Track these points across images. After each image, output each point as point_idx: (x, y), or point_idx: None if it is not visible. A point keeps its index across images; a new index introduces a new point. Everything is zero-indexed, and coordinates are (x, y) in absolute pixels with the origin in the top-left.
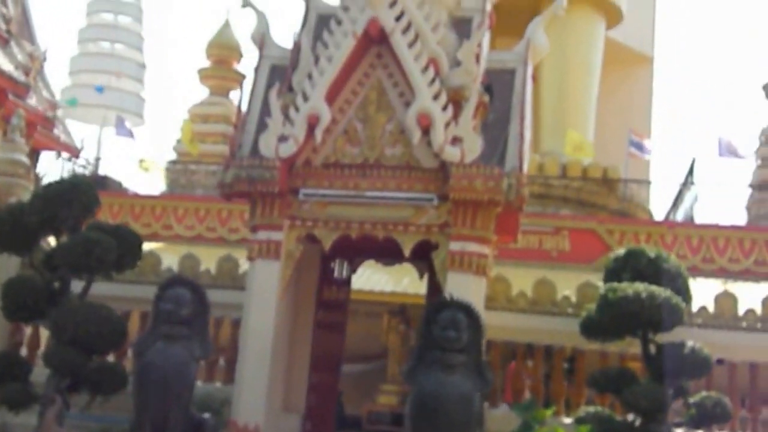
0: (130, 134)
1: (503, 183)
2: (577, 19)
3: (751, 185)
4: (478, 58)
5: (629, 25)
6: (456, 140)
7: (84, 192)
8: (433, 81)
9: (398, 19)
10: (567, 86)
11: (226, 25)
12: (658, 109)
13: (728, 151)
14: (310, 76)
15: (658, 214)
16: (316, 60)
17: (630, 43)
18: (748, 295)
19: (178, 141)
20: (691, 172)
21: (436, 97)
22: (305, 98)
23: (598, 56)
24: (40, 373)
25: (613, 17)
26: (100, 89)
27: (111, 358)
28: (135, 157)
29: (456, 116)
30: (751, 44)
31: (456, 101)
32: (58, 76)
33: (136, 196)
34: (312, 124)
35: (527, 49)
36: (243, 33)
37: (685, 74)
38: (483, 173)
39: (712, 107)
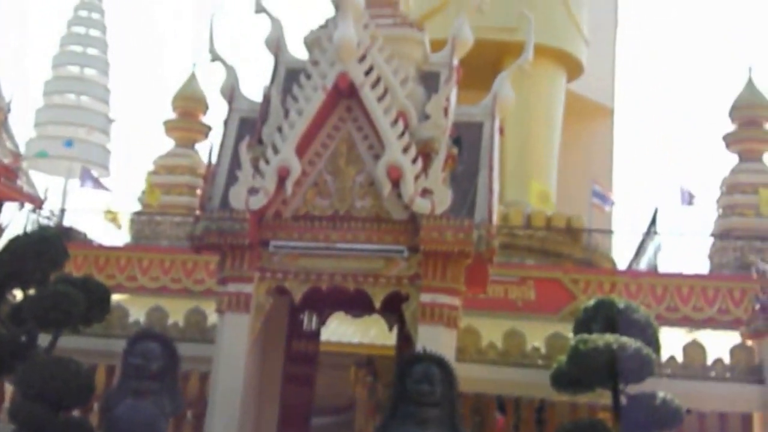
0: (96, 185)
1: (473, 234)
2: (538, 72)
3: (713, 234)
4: (446, 111)
5: (590, 77)
6: (426, 192)
7: (52, 245)
8: (402, 134)
9: (367, 73)
10: (529, 138)
11: (192, 77)
12: (620, 158)
13: (690, 200)
14: (280, 129)
15: (622, 263)
16: (286, 113)
17: (591, 96)
18: (715, 345)
19: (143, 192)
20: (653, 221)
21: (405, 149)
22: (275, 151)
23: (560, 108)
24: (4, 429)
25: (574, 70)
26: (69, 144)
27: (77, 413)
28: (101, 208)
29: (425, 169)
30: (711, 94)
31: (425, 154)
32: (23, 127)
33: (101, 247)
34: (282, 177)
35: (494, 102)
36: (209, 85)
37: (646, 125)
38: (453, 225)
39: (673, 157)
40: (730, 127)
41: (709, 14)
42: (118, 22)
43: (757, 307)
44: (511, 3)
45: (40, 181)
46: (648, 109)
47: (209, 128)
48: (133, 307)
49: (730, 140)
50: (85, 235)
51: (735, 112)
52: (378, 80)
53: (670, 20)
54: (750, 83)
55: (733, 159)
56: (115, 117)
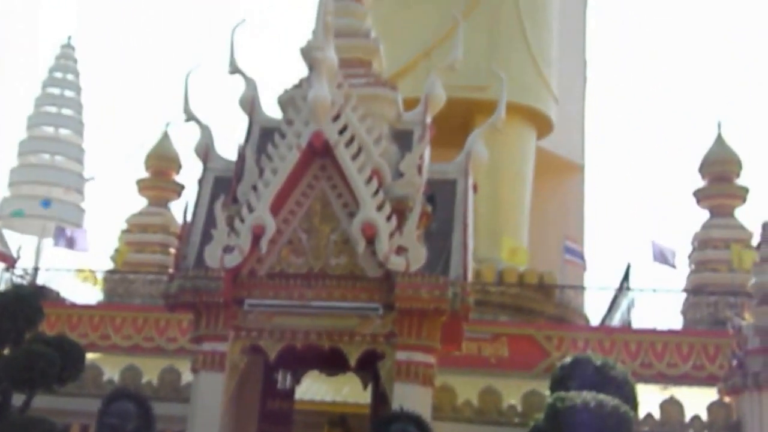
0: (71, 244)
1: (448, 292)
2: (509, 130)
3: (686, 290)
4: (420, 169)
5: (560, 134)
6: (400, 250)
7: (27, 304)
8: (376, 192)
9: (342, 132)
10: (501, 194)
11: (166, 136)
12: (592, 214)
13: (662, 256)
14: (255, 188)
15: (595, 319)
16: (261, 172)
17: (561, 152)
18: (691, 401)
19: (116, 251)
20: (626, 277)
21: (380, 207)
22: (250, 209)
23: (530, 165)
24: None
25: (544, 127)
26: (46, 204)
27: None
28: (74, 266)
29: (400, 226)
30: (681, 148)
31: (400, 211)
32: None
33: (73, 306)
34: (257, 235)
35: (468, 160)
36: (183, 143)
37: (617, 180)
38: (428, 282)
39: (645, 212)
40: (701, 182)
41: (678, 69)
42: (94, 82)
43: (735, 363)
44: (482, 62)
45: (14, 239)
46: (619, 165)
47: (182, 187)
48: (106, 366)
49: (700, 196)
50: (57, 294)
51: (705, 167)
52: (352, 139)
53: (639, 75)
54: (719, 138)
55: (704, 215)
56: (92, 175)
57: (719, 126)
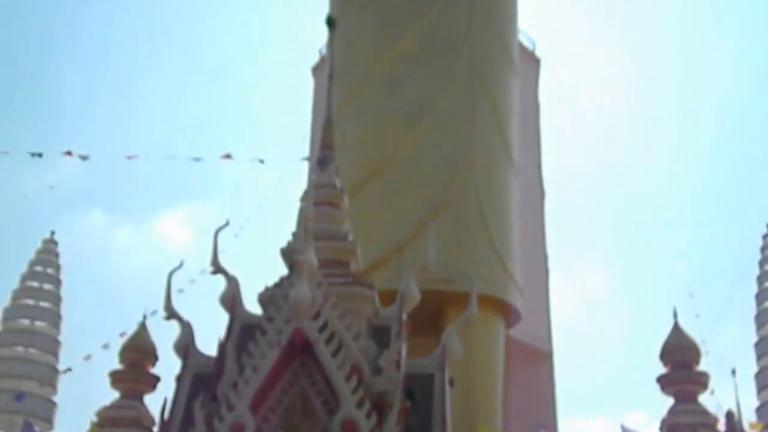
0: None
1: None
2: (479, 321)
3: None
4: (398, 364)
5: (527, 323)
6: None
7: None
8: (356, 389)
9: (321, 329)
10: (474, 384)
11: (142, 328)
12: (564, 399)
13: None
14: (235, 385)
15: None
16: (241, 369)
17: (529, 341)
18: None
19: None
20: None
21: (360, 404)
22: (230, 408)
23: (501, 354)
24: None
25: (511, 317)
26: (20, 397)
27: None
28: None
29: (380, 423)
30: (642, 333)
31: (379, 407)
32: None
33: None
34: None
35: (443, 355)
36: (158, 336)
37: (584, 365)
38: None
39: (613, 396)
40: (662, 369)
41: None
42: (74, 273)
43: None
44: (450, 256)
45: None
46: (585, 350)
47: (158, 379)
48: None
49: (664, 383)
50: None
51: (666, 356)
52: (332, 336)
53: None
54: (676, 326)
55: (668, 401)
56: (68, 367)
57: (675, 314)
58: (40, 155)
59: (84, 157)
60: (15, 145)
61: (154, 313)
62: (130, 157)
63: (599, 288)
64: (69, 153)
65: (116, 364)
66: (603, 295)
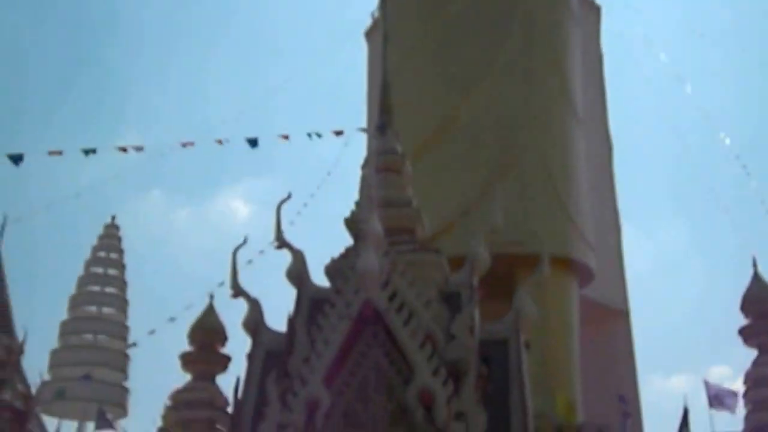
0: (111, 427)
1: None
2: (549, 283)
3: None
4: (472, 330)
5: (601, 283)
6: (460, 415)
7: None
8: (431, 357)
9: (391, 299)
10: (550, 348)
11: (210, 308)
12: (641, 359)
13: (717, 401)
14: (306, 361)
15: None
16: (312, 343)
17: (604, 300)
18: None
19: (160, 429)
20: (685, 422)
21: (435, 372)
22: (303, 383)
23: (576, 316)
24: None
25: (584, 277)
26: (86, 378)
27: None
28: None
29: (457, 390)
30: (721, 283)
31: (455, 375)
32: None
33: None
34: (311, 410)
35: (517, 319)
36: (227, 314)
37: (664, 322)
38: None
39: (694, 351)
40: (744, 320)
41: (710, 202)
42: (138, 259)
43: None
44: (517, 218)
45: (52, 424)
46: (663, 307)
47: (228, 359)
48: None
49: (747, 334)
50: None
51: (747, 307)
52: (402, 305)
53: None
54: (756, 276)
55: (751, 353)
56: (132, 342)
57: (754, 262)
58: (94, 151)
59: (139, 149)
60: (71, 134)
61: (222, 284)
62: (184, 145)
63: (674, 240)
64: (124, 149)
65: (183, 340)
66: (679, 248)
